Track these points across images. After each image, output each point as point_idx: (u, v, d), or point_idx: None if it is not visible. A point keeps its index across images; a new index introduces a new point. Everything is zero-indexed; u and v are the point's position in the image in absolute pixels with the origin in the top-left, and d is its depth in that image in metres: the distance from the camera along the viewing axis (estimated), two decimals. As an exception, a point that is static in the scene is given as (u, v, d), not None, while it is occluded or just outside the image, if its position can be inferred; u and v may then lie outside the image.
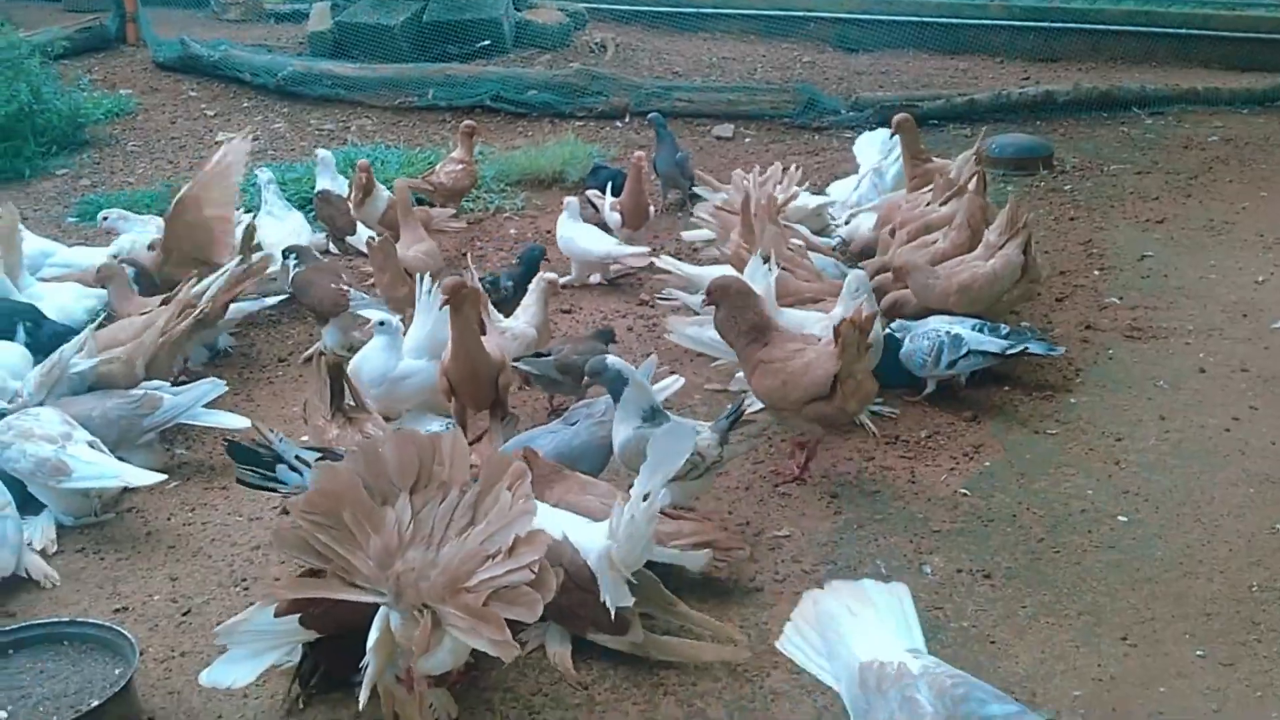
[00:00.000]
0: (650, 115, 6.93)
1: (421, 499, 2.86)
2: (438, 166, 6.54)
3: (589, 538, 3.07)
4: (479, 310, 3.93)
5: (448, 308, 3.84)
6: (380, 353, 4.18)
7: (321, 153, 6.44)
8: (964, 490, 3.91)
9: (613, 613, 2.99)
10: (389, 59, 9.40)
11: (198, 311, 4.41)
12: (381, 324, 4.20)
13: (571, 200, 5.74)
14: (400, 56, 9.50)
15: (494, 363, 3.95)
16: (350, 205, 5.98)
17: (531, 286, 4.63)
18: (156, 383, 4.14)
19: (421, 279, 4.34)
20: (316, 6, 10.62)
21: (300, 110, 8.82)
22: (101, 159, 7.80)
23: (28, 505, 3.72)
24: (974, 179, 5.27)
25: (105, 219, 5.70)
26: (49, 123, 7.80)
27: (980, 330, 4.46)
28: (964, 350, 4.36)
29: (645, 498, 2.95)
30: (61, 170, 7.54)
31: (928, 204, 5.39)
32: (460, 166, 6.41)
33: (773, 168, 5.49)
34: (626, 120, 8.50)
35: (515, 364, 4.20)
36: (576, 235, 5.66)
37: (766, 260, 4.40)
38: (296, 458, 3.31)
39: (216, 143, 5.92)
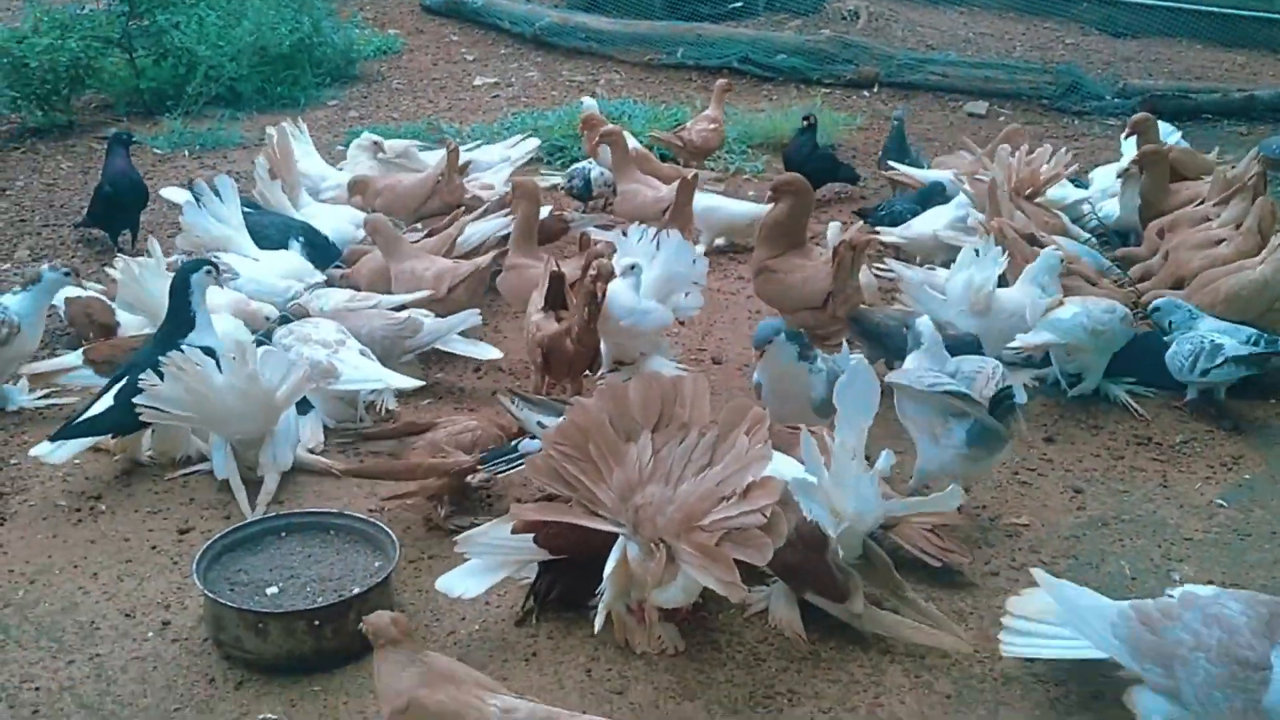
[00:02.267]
0: (895, 113, 6.55)
1: (662, 438, 2.93)
2: (688, 124, 6.60)
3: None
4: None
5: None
6: (627, 290, 4.27)
7: (587, 100, 6.62)
8: (1220, 501, 3.70)
9: (836, 576, 2.98)
10: (642, 15, 9.56)
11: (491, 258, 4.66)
12: (632, 267, 4.30)
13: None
14: (653, 13, 9.64)
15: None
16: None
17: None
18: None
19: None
20: (576, -40, 10.85)
21: (553, 60, 9.07)
22: (369, 94, 8.25)
23: (299, 406, 4.02)
24: (1255, 179, 4.97)
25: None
26: (325, 55, 8.30)
27: (1255, 344, 4.18)
28: (1220, 359, 4.08)
29: (851, 453, 2.95)
30: (333, 101, 8.01)
31: (1198, 203, 5.11)
32: (711, 126, 6.46)
33: (1041, 149, 5.30)
34: (875, 90, 8.35)
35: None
36: (720, 203, 5.69)
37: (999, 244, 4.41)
38: (539, 424, 3.49)
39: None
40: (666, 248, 4.34)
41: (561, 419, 3.13)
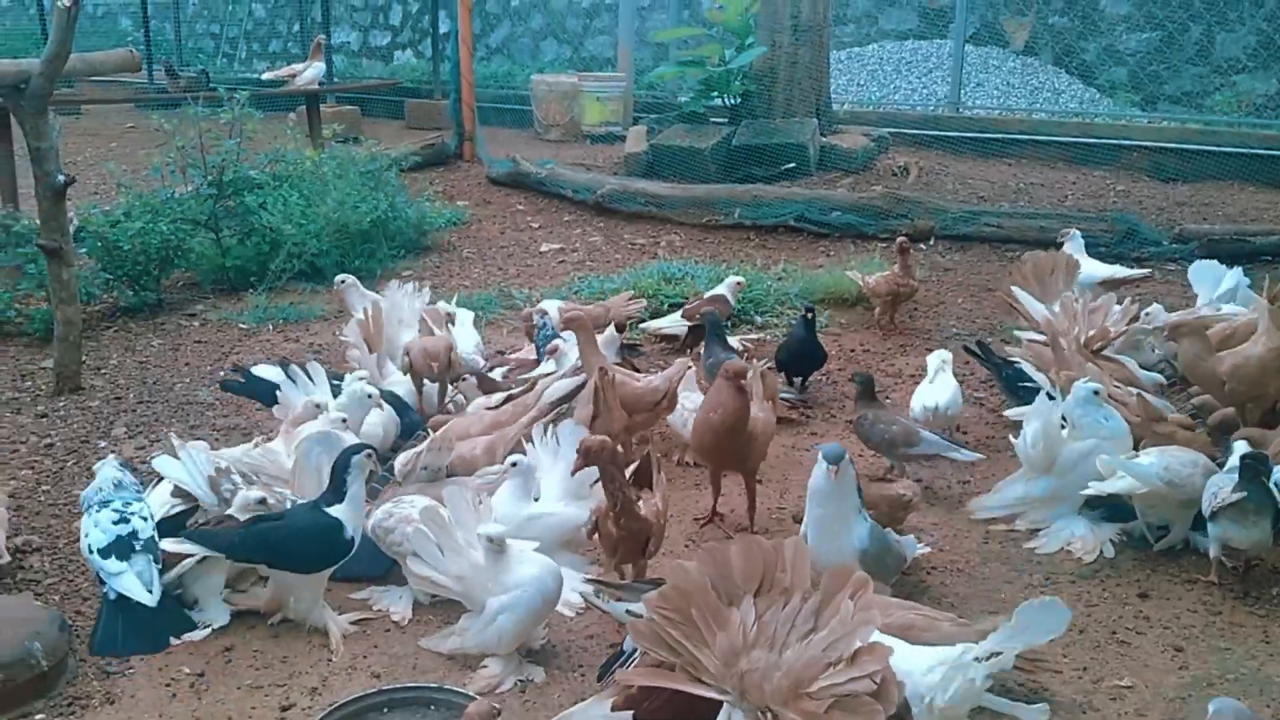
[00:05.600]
0: (705, 312, 5.88)
1: (765, 603, 2.95)
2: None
3: (910, 669, 3.05)
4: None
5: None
6: (510, 496, 4.20)
7: (733, 277, 6.93)
8: (1326, 656, 3.63)
9: None
10: (699, 180, 9.90)
11: (556, 409, 4.75)
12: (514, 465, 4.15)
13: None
14: (709, 177, 9.98)
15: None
16: None
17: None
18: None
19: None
20: (633, 130, 11.39)
21: (615, 225, 9.39)
22: (441, 263, 8.58)
23: (389, 575, 4.11)
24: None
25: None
26: (399, 229, 8.67)
27: None
28: None
29: (991, 656, 2.94)
30: (406, 271, 8.32)
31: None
32: (884, 274, 6.87)
33: (1105, 298, 5.39)
34: (931, 243, 8.53)
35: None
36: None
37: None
38: (627, 613, 3.49)
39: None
40: (565, 439, 4.09)
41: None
